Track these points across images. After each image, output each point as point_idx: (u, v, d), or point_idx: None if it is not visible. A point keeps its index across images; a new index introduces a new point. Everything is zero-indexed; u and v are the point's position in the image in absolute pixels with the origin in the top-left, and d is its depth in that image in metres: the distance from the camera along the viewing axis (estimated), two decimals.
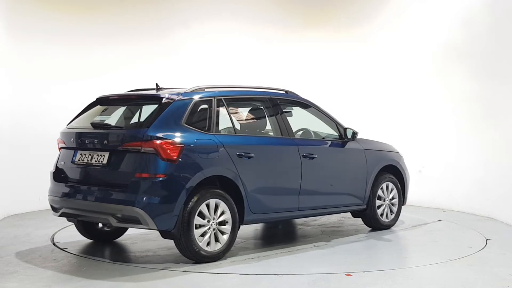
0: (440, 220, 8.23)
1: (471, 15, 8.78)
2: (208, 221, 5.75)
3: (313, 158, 6.63)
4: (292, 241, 7.07)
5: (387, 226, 7.53)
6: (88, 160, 5.93)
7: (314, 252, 6.35)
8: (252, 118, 6.78)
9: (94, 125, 6.01)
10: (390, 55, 10.22)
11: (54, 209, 6.23)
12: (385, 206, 7.47)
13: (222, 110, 6.20)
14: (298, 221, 8.10)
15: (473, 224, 7.96)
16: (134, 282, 5.18)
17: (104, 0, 9.74)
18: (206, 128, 5.96)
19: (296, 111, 7.20)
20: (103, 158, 5.79)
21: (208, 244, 5.75)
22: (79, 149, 6.06)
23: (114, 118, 6.44)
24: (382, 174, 7.42)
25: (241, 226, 6.14)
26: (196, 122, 5.93)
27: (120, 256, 6.04)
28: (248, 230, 7.43)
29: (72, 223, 6.84)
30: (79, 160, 6.03)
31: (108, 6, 9.72)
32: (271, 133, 6.68)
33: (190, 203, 5.60)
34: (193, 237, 5.61)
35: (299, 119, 7.22)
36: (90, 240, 6.77)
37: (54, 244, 6.66)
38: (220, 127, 6.18)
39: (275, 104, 6.71)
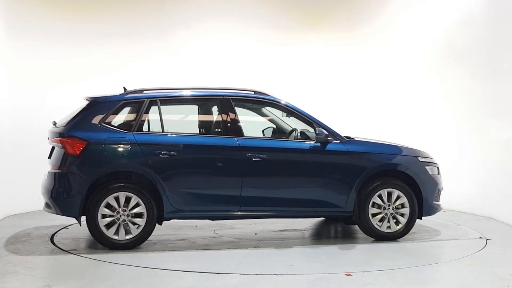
0: (489, 239, 6.94)
1: (471, 15, 8.78)
2: (117, 213, 6.21)
3: (261, 158, 6.52)
4: (293, 241, 7.07)
5: (390, 237, 6.84)
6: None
7: (315, 252, 6.35)
8: (188, 118, 7.10)
9: (53, 124, 6.78)
10: (391, 56, 10.21)
11: None
12: (386, 215, 6.82)
13: (154, 111, 6.52)
14: (302, 222, 8.10)
15: (473, 224, 7.96)
16: (134, 283, 5.17)
17: (104, 0, 9.74)
18: (128, 128, 6.41)
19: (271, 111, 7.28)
20: (50, 153, 6.64)
21: (117, 233, 6.26)
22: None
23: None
24: (382, 180, 6.81)
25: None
26: (118, 122, 6.49)
27: (120, 256, 6.03)
28: (249, 230, 7.45)
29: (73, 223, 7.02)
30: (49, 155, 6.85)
31: (108, 6, 9.71)
32: (211, 133, 6.84)
33: (96, 195, 6.19)
34: (97, 225, 6.19)
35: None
36: (90, 240, 6.76)
37: (54, 244, 6.66)
38: (148, 127, 6.54)
39: (226, 104, 6.68)
